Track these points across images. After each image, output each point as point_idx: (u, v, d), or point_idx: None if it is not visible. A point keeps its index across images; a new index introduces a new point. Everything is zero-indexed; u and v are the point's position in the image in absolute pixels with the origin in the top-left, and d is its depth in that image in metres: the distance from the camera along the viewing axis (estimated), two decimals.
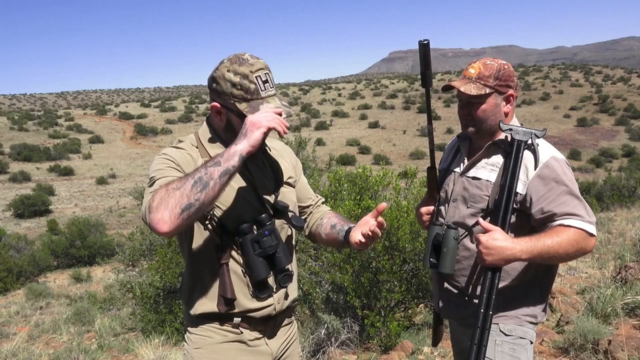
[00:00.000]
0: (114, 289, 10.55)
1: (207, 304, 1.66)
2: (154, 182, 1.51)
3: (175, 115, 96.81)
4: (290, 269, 1.69)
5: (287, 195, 1.78)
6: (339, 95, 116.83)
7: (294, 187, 1.85)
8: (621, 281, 4.68)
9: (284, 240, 1.74)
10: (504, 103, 1.83)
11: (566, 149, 55.33)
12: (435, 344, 2.11)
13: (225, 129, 1.65)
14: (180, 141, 1.70)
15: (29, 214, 35.82)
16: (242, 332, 1.69)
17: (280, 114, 1.49)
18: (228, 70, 1.56)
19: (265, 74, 1.58)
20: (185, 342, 1.75)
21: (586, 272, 5.92)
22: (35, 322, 8.84)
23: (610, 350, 3.27)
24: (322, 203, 2.01)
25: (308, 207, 1.96)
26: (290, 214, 1.71)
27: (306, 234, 1.96)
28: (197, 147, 1.67)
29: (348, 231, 1.75)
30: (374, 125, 77.16)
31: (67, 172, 54.10)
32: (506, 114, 1.84)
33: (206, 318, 1.68)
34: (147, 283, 7.05)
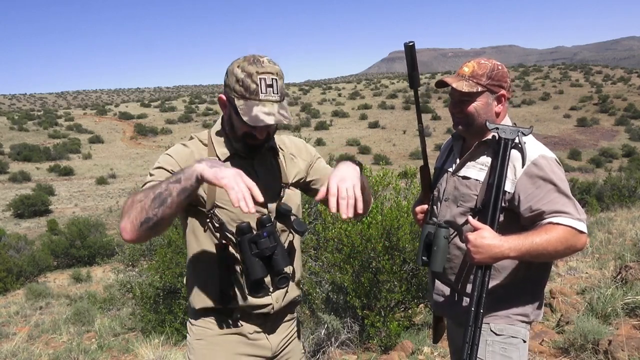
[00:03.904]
0: (113, 289, 10.56)
1: (206, 298, 1.69)
2: (145, 182, 1.59)
3: (175, 115, 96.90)
4: (287, 272, 1.69)
5: (292, 198, 1.78)
6: (339, 95, 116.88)
7: (299, 190, 1.85)
8: (621, 281, 4.68)
9: (285, 243, 1.75)
10: (495, 103, 1.83)
11: (566, 149, 55.38)
12: (435, 341, 2.12)
13: (228, 122, 1.68)
14: (191, 138, 1.76)
15: (29, 214, 35.86)
16: (241, 325, 1.72)
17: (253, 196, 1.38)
18: (238, 66, 1.58)
19: (272, 79, 1.57)
20: (187, 333, 1.79)
21: (586, 272, 5.92)
22: (35, 322, 8.85)
23: (611, 351, 3.27)
24: None
25: None
26: (292, 218, 1.71)
27: None
28: (206, 145, 1.72)
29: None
30: (374, 125, 77.17)
31: (67, 172, 54.15)
32: (497, 114, 1.85)
33: (206, 311, 1.72)
34: (147, 283, 7.06)
